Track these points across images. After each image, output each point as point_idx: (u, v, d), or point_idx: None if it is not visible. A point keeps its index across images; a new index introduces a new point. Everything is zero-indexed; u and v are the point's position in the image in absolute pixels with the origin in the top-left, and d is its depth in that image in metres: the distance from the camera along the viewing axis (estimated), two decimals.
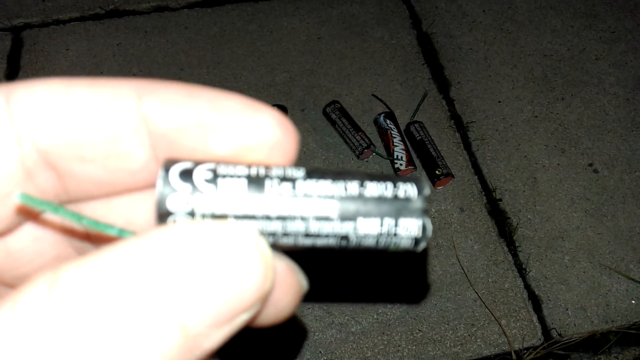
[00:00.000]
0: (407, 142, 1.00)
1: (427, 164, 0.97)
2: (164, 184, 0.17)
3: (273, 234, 0.18)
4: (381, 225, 0.18)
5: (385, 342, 0.83)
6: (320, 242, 0.18)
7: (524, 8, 1.22)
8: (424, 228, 0.18)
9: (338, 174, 0.18)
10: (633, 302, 0.87)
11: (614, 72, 1.13)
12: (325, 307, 0.86)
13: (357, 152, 0.98)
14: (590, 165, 1.01)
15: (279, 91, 1.08)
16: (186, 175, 0.17)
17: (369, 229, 0.18)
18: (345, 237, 0.18)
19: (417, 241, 0.18)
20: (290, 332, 0.84)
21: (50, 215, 0.20)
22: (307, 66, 1.12)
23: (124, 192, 0.20)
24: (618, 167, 1.01)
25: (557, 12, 1.22)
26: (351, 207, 0.18)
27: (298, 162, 0.19)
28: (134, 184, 0.19)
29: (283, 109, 1.02)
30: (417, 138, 0.99)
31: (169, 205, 0.17)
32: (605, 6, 1.23)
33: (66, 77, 0.18)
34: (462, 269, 0.89)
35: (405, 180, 0.19)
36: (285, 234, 0.18)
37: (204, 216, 0.17)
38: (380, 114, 1.02)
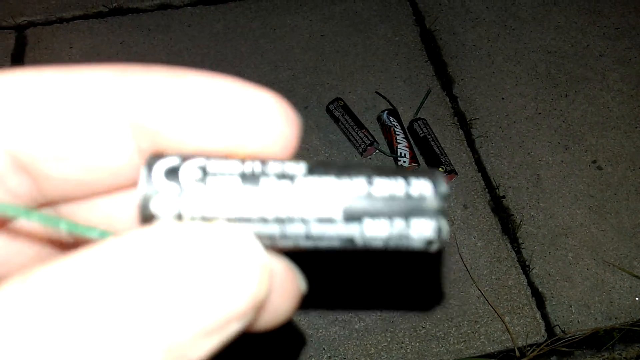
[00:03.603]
0: (411, 139, 1.00)
1: (431, 161, 0.97)
2: (147, 184, 0.16)
3: (270, 237, 0.16)
4: (391, 226, 0.16)
5: (389, 339, 0.84)
6: (322, 244, 0.17)
7: (528, 4, 1.22)
8: (439, 230, 0.16)
9: (343, 169, 0.16)
10: (637, 299, 0.87)
11: (617, 69, 1.12)
12: (328, 304, 0.86)
13: (360, 150, 0.98)
14: (594, 162, 1.01)
15: (282, 89, 1.08)
16: (172, 173, 0.16)
17: (376, 231, 0.16)
18: (350, 240, 0.16)
19: (430, 242, 0.17)
20: (293, 329, 0.84)
21: (24, 222, 0.18)
22: (310, 63, 1.12)
23: (106, 192, 0.18)
24: (622, 164, 1.00)
25: (561, 9, 1.21)
26: (357, 207, 0.16)
27: (300, 160, 0.17)
28: (117, 182, 0.17)
29: None
30: (421, 135, 0.99)
31: (153, 208, 0.15)
32: (609, 2, 1.22)
33: (35, 67, 0.16)
34: (466, 266, 0.89)
35: (420, 175, 0.16)
36: (284, 237, 0.16)
37: (193, 219, 0.16)
38: (383, 111, 1.02)
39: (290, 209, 0.16)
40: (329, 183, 0.16)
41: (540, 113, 1.06)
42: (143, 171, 0.16)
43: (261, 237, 0.16)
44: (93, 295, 0.13)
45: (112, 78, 0.16)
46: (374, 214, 0.16)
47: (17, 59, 1.12)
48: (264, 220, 0.16)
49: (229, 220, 0.16)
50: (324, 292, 0.87)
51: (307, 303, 0.84)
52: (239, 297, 0.14)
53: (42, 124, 0.16)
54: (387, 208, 0.16)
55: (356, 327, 0.84)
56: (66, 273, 0.13)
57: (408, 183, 0.16)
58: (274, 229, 0.16)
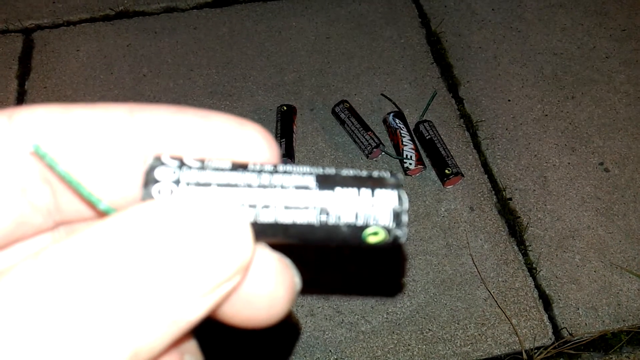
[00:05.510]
0: (417, 142, 1.00)
1: (437, 163, 0.97)
2: (155, 159, 0.18)
3: (254, 206, 0.18)
4: (358, 194, 0.19)
5: (395, 342, 0.83)
6: (300, 218, 0.18)
7: (534, 6, 1.22)
8: (400, 198, 0.19)
9: (315, 166, 0.20)
10: None
11: (624, 70, 1.12)
12: (335, 306, 0.86)
13: (366, 152, 0.98)
14: (601, 164, 1.00)
15: (288, 91, 1.08)
16: (175, 157, 0.19)
17: (347, 198, 0.19)
18: (324, 211, 0.18)
19: (396, 215, 0.19)
20: (301, 331, 0.84)
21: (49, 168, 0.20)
22: (316, 66, 1.12)
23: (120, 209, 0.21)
24: (629, 166, 1.00)
25: (567, 10, 1.21)
26: (329, 179, 0.19)
27: (307, 162, 0.19)
28: (127, 200, 0.20)
29: (292, 108, 1.03)
30: (427, 137, 0.99)
31: (157, 175, 0.18)
32: (615, 4, 1.22)
33: (64, 103, 0.19)
34: (474, 268, 0.89)
35: (379, 170, 0.20)
36: (266, 206, 0.18)
37: (188, 184, 0.18)
38: (389, 113, 1.02)
39: (272, 179, 0.18)
40: (305, 167, 0.19)
41: (546, 115, 1.06)
42: (153, 155, 0.19)
43: (245, 206, 0.18)
44: (102, 262, 0.15)
45: (128, 109, 0.19)
46: (343, 184, 0.19)
47: (24, 62, 1.12)
48: (249, 186, 0.18)
49: (219, 185, 0.18)
50: (331, 295, 0.87)
51: (313, 305, 0.84)
52: (228, 258, 0.16)
53: (69, 142, 0.19)
54: (353, 181, 0.19)
55: (363, 329, 0.84)
56: (81, 243, 0.15)
57: (368, 172, 0.19)
58: (257, 195, 0.18)
